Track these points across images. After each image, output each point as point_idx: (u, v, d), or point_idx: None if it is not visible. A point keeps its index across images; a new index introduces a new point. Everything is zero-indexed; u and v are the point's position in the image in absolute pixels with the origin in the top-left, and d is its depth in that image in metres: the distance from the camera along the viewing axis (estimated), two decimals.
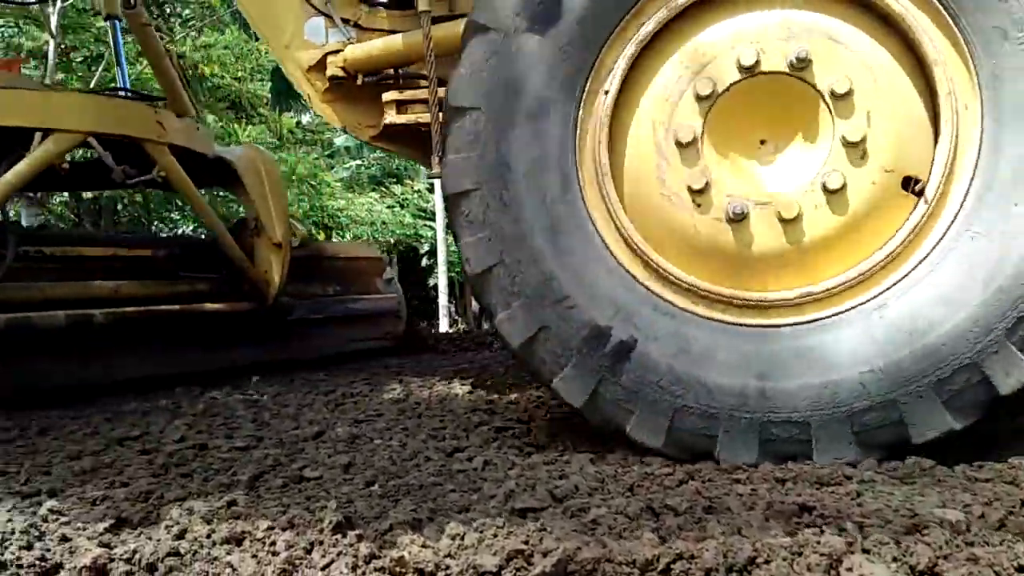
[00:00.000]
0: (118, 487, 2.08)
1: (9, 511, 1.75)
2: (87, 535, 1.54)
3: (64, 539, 1.52)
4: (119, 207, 12.86)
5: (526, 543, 1.37)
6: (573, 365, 2.21)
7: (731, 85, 2.18)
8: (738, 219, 2.17)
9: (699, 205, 2.20)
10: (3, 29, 12.92)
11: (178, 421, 3.00)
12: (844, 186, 2.13)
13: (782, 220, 2.16)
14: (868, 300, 2.12)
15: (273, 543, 1.47)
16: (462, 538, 1.42)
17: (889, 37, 2.16)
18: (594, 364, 2.19)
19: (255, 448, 2.55)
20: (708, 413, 2.12)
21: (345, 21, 3.57)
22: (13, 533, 1.48)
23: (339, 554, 1.41)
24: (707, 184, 2.18)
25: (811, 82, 2.15)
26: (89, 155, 4.70)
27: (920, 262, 2.10)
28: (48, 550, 1.47)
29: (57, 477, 2.22)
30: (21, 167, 3.67)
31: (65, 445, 2.65)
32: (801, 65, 2.13)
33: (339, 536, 1.48)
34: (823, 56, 2.13)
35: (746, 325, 2.18)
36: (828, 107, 2.14)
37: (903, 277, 2.11)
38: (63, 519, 1.64)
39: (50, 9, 10.12)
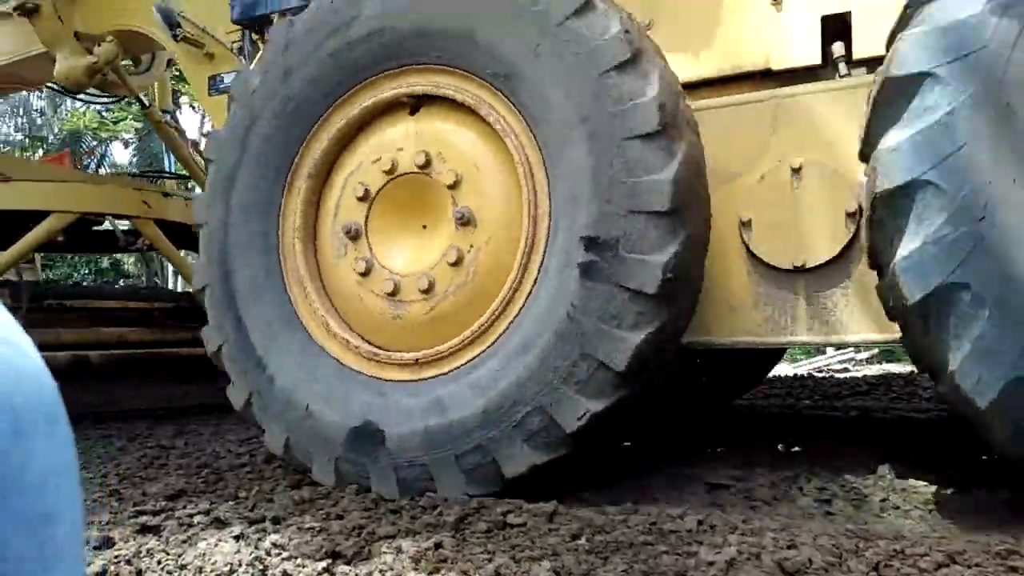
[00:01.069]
0: (333, 519, 2.14)
1: (237, 539, 1.83)
2: (305, 572, 1.57)
3: (285, 575, 1.55)
4: None
5: None
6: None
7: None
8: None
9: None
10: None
11: None
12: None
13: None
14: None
15: None
16: None
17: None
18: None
19: None
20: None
21: None
22: (240, 565, 1.54)
23: None
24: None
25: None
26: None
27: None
28: None
29: (280, 505, 2.32)
30: (27, 239, 4.89)
31: (287, 474, 2.80)
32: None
33: None
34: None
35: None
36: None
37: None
38: (284, 554, 1.68)
39: None
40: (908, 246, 1.94)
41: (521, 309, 2.35)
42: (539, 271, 2.34)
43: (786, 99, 2.55)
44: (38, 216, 4.96)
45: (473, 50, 2.49)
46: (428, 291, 2.52)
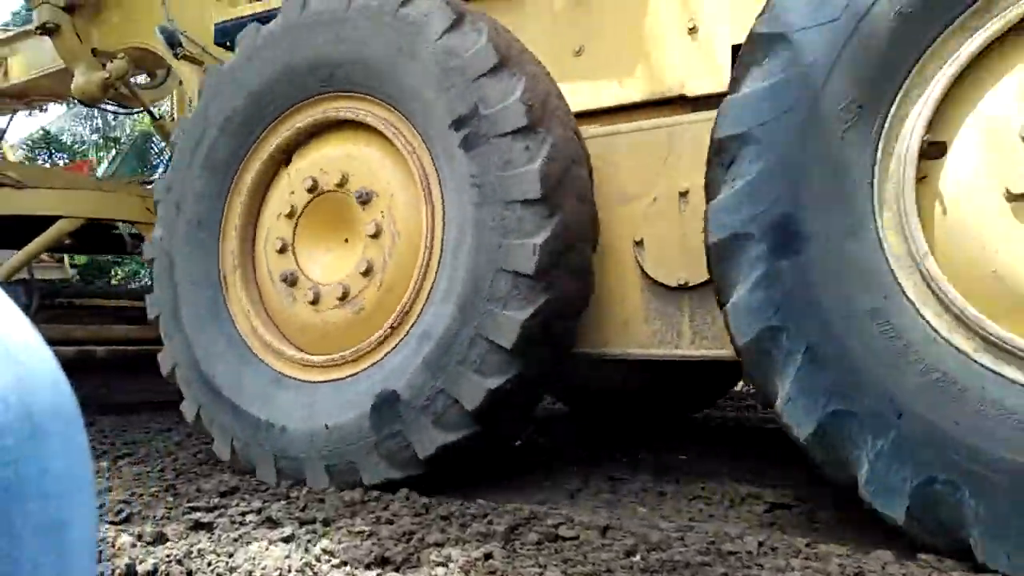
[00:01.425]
0: (383, 523, 2.12)
1: (287, 541, 1.82)
2: None
3: None
4: None
5: None
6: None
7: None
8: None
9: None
10: None
11: None
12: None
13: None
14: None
15: None
16: None
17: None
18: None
19: (513, 497, 2.51)
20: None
21: None
22: (290, 571, 1.52)
23: None
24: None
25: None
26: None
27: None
28: None
29: (330, 506, 2.32)
30: (37, 241, 5.35)
31: None
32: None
33: None
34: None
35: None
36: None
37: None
38: (334, 560, 1.66)
39: None
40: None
41: (444, 219, 2.56)
42: (439, 180, 2.58)
43: (678, 126, 2.72)
44: (51, 220, 5.40)
45: (302, 73, 2.84)
46: (368, 272, 2.71)
